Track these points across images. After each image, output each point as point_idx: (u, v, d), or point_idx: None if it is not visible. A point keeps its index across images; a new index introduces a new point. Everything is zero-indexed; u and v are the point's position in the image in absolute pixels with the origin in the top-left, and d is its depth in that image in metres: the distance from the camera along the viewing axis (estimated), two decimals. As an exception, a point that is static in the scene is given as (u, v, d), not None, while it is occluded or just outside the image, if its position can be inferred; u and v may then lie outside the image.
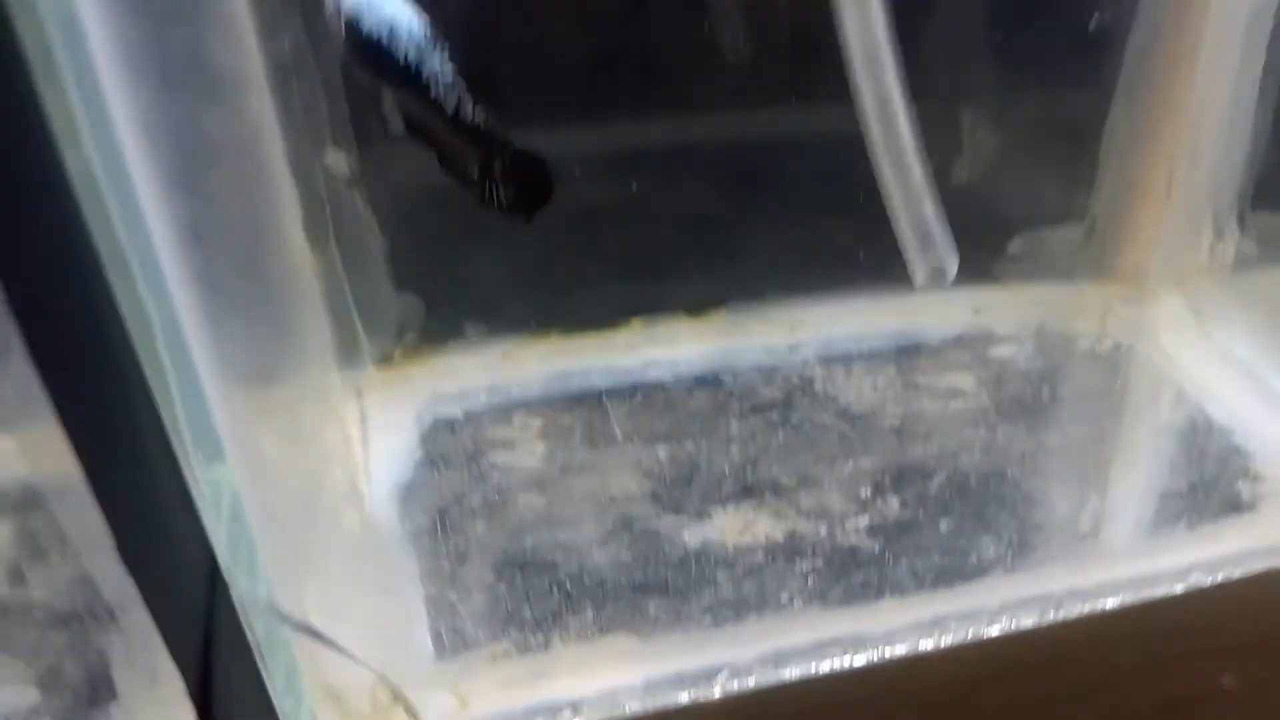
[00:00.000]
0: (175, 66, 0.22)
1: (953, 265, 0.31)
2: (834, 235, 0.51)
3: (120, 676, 0.30)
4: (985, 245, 0.51)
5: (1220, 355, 0.48)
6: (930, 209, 0.30)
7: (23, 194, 0.19)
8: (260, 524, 0.27)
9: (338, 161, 0.42)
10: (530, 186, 0.35)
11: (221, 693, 0.25)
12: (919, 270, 0.31)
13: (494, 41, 0.44)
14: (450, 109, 0.34)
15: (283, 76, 0.42)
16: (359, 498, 0.30)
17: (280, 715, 0.31)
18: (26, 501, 0.39)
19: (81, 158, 0.23)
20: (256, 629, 0.29)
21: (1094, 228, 0.50)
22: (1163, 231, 0.49)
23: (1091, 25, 0.46)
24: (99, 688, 0.32)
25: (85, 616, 0.32)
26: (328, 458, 0.29)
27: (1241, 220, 0.48)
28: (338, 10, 0.34)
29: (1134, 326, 0.50)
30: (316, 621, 0.30)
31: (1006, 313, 0.51)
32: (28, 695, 0.34)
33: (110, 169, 0.22)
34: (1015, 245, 0.51)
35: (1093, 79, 0.48)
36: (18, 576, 0.37)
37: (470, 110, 0.34)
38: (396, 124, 0.43)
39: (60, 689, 0.33)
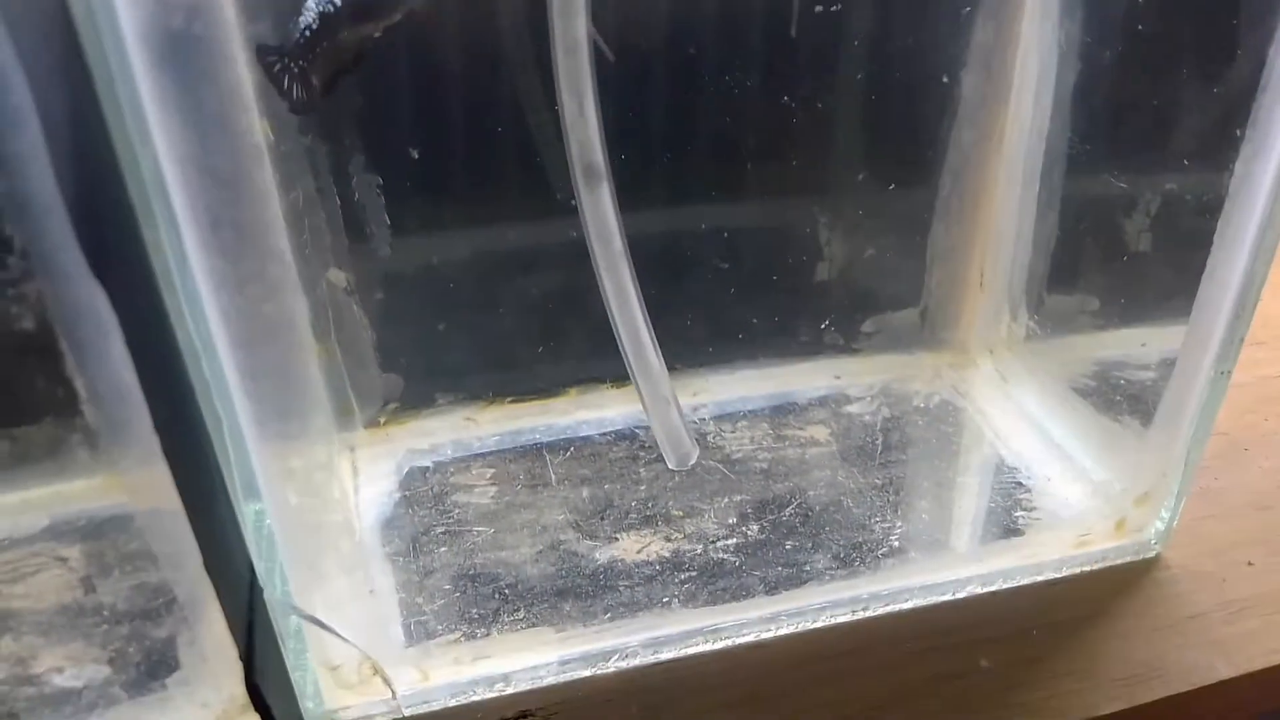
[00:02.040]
0: (229, 221, 0.36)
1: (695, 454, 0.43)
2: (729, 319, 0.64)
3: (183, 655, 0.43)
4: (844, 325, 0.64)
5: (1016, 410, 0.61)
6: (675, 414, 0.42)
7: (155, 329, 0.33)
8: (284, 545, 0.40)
9: (338, 278, 0.56)
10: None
11: (259, 667, 0.38)
12: (670, 458, 0.43)
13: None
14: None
15: (297, 217, 0.56)
16: (352, 528, 0.43)
17: (294, 683, 0.44)
18: (112, 526, 0.53)
19: (174, 294, 0.36)
20: (279, 620, 0.42)
21: (926, 311, 0.64)
22: (978, 313, 0.63)
23: (914, 162, 0.60)
24: (165, 664, 0.45)
25: (161, 612, 0.45)
26: (329, 498, 0.41)
27: (1034, 304, 0.61)
28: None
29: (956, 387, 0.63)
30: (321, 616, 0.43)
31: (860, 377, 0.64)
32: (101, 671, 0.47)
33: (192, 304, 0.36)
34: (867, 325, 0.64)
35: (918, 201, 0.61)
36: (92, 585, 0.50)
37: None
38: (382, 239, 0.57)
39: (130, 666, 0.46)
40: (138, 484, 0.37)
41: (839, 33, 0.56)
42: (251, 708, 0.38)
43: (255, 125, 0.36)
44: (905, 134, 0.59)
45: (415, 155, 0.55)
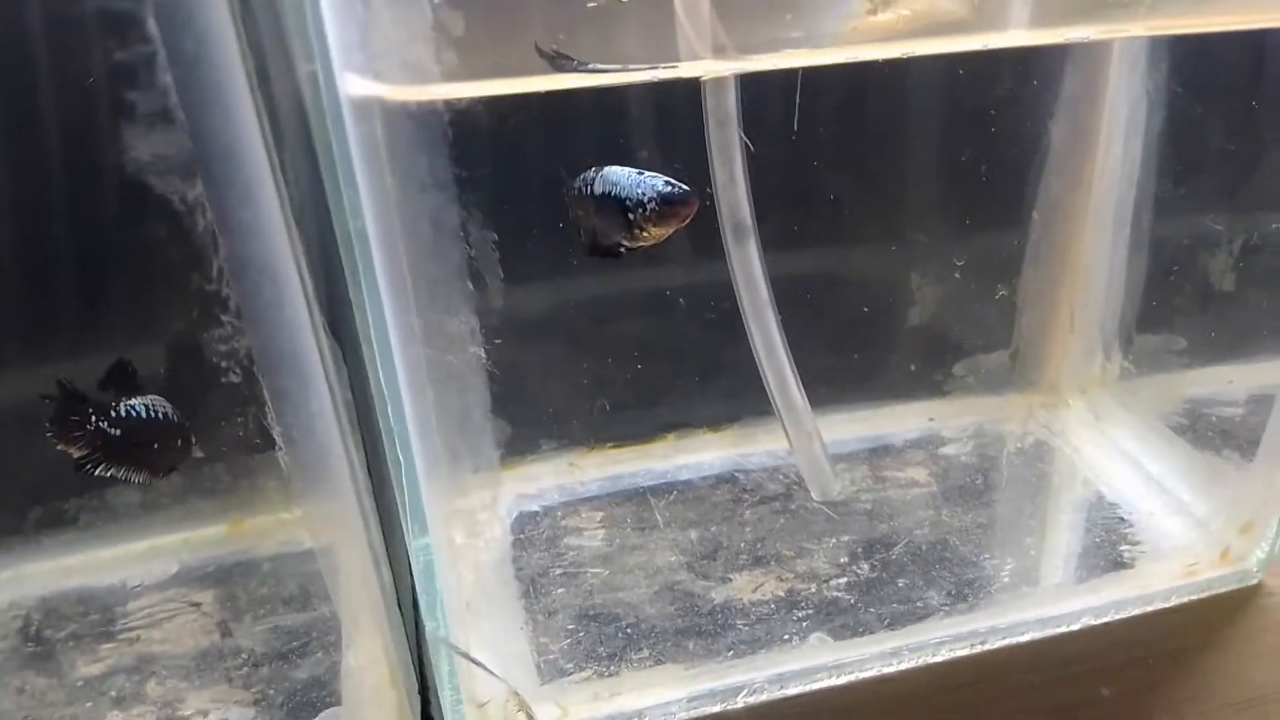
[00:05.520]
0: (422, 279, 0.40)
1: (837, 487, 0.48)
2: (821, 364, 0.68)
3: (346, 688, 0.47)
4: (936, 368, 0.69)
5: (1112, 447, 0.65)
6: (819, 447, 0.46)
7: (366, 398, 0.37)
8: (446, 581, 0.44)
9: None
10: None
11: (434, 701, 0.42)
12: (813, 490, 0.48)
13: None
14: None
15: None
16: (508, 567, 0.47)
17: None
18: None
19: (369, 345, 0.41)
20: (434, 655, 0.46)
21: (1017, 353, 0.68)
22: (1068, 355, 0.67)
23: (1005, 209, 0.65)
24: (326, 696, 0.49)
25: (325, 645, 0.49)
26: (491, 538, 0.45)
27: (1124, 345, 0.65)
28: None
29: (1049, 427, 0.67)
30: (473, 653, 0.47)
31: (953, 419, 0.68)
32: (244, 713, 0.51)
33: (383, 354, 0.41)
34: (959, 367, 0.68)
35: (1009, 246, 0.66)
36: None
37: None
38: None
39: (287, 701, 0.50)
40: (324, 521, 0.42)
41: (929, 87, 0.62)
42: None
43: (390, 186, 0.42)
44: (996, 182, 0.64)
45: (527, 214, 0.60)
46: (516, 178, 0.58)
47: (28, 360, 0.55)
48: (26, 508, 0.57)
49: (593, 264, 0.65)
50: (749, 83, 0.58)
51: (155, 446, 0.45)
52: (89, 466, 0.43)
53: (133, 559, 0.59)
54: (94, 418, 0.43)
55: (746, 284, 0.45)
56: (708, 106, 0.42)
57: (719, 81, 0.41)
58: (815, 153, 0.62)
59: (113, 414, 0.44)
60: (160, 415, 0.44)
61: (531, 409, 0.65)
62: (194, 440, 0.46)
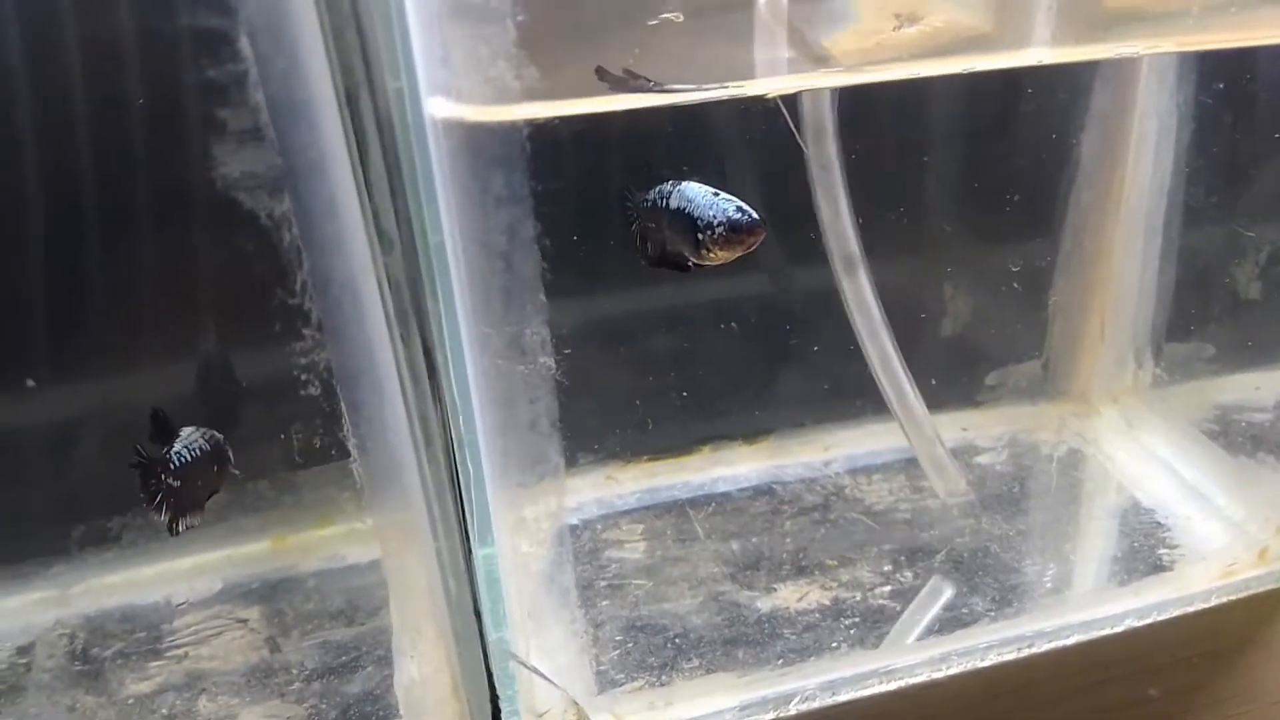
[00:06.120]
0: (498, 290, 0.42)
1: (963, 484, 0.50)
2: (854, 376, 0.70)
3: (406, 700, 0.48)
4: (968, 379, 0.70)
5: (1146, 454, 0.67)
6: (940, 449, 0.49)
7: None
8: (510, 591, 0.45)
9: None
10: None
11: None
12: (940, 489, 0.51)
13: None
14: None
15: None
16: (570, 576, 0.48)
17: (503, 730, 0.49)
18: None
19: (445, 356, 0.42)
20: (495, 665, 0.47)
21: (1049, 363, 0.70)
22: (1099, 363, 0.69)
23: (1036, 222, 0.67)
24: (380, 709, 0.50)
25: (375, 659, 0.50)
26: (556, 547, 0.47)
27: (1155, 353, 0.67)
28: None
29: (1082, 435, 0.69)
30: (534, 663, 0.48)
31: (986, 429, 0.70)
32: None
33: (457, 366, 0.42)
34: (991, 378, 0.70)
35: (1040, 258, 0.68)
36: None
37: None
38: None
39: (341, 715, 0.51)
40: (392, 529, 0.43)
41: (959, 100, 0.64)
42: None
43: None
44: (1027, 194, 0.66)
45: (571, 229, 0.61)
46: (567, 193, 0.59)
47: (78, 379, 0.56)
48: (70, 526, 0.58)
49: (628, 279, 0.67)
50: (786, 100, 0.61)
51: (199, 483, 0.46)
52: (174, 526, 0.44)
53: (177, 576, 0.60)
54: (163, 476, 0.44)
55: (859, 308, 0.49)
56: (809, 154, 0.45)
57: (819, 130, 0.44)
58: (847, 166, 0.64)
59: (171, 466, 0.44)
60: (200, 450, 0.45)
61: (569, 423, 0.66)
62: (230, 458, 0.47)
